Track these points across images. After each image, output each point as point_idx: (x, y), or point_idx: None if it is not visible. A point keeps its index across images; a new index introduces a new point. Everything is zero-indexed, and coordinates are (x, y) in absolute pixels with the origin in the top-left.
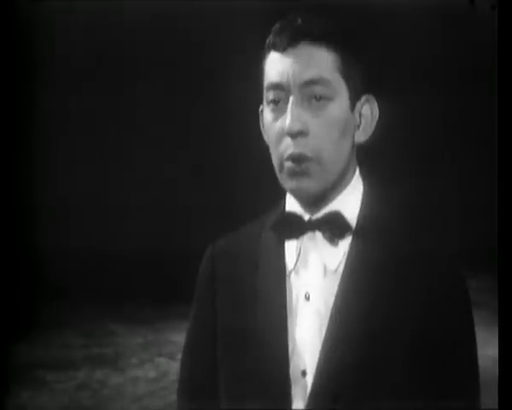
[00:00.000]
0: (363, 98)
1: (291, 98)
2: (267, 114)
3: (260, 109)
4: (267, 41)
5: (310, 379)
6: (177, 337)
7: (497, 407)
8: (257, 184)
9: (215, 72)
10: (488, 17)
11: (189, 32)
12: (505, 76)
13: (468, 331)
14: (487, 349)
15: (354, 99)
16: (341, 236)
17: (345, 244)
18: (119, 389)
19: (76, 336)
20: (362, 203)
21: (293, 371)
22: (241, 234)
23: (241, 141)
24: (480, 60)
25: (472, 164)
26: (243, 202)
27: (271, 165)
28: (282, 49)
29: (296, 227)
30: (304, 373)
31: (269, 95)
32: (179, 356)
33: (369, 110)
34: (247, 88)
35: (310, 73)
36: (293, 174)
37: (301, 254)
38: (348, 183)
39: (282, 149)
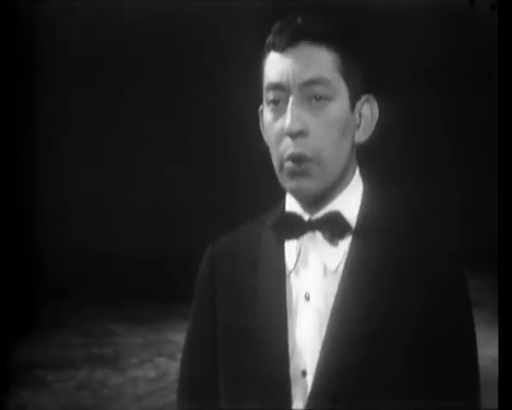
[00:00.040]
0: (363, 98)
1: (291, 98)
2: (267, 114)
3: (260, 109)
4: (267, 41)
5: (310, 379)
6: (177, 337)
7: (497, 407)
8: (257, 184)
9: (215, 72)
10: (488, 17)
11: (189, 32)
12: (505, 76)
13: (468, 331)
14: (487, 349)
15: (354, 99)
16: (341, 236)
17: (345, 244)
18: (119, 389)
19: (76, 336)
20: (362, 203)
21: (293, 371)
22: (240, 233)
23: (241, 141)
24: (480, 60)
25: (472, 164)
26: (243, 202)
27: (271, 165)
28: (281, 49)
29: (296, 227)
30: (304, 373)
31: (269, 95)
32: (179, 356)
33: (368, 110)
34: (247, 88)
35: (310, 73)
36: (293, 174)
37: (301, 254)
38: (348, 183)
39: (281, 149)
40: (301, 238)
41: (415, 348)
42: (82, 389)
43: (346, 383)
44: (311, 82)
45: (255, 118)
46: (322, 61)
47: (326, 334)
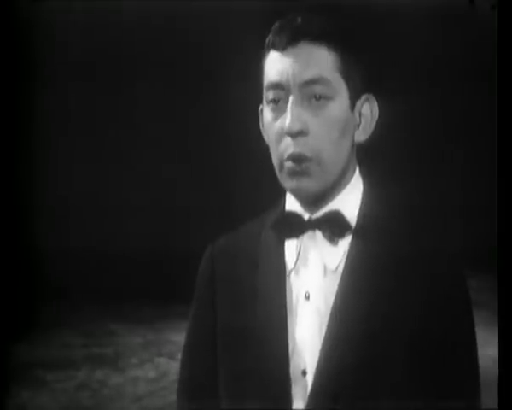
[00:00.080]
0: (363, 98)
1: (291, 98)
2: (267, 113)
3: (260, 109)
4: (266, 40)
5: (310, 379)
6: (177, 337)
7: (497, 407)
8: (256, 184)
9: (214, 72)
10: (488, 17)
11: (188, 33)
12: (505, 76)
13: (468, 331)
14: (487, 349)
15: (354, 98)
16: (341, 235)
17: (345, 244)
18: (118, 389)
19: (76, 336)
20: (362, 203)
21: (294, 370)
22: (240, 233)
23: (241, 141)
24: (480, 60)
25: (472, 164)
26: (242, 202)
27: (271, 165)
28: (281, 48)
29: (296, 226)
30: (304, 373)
31: (268, 94)
32: (179, 356)
33: (368, 110)
34: (247, 88)
35: (310, 73)
36: (293, 174)
37: (301, 254)
38: (348, 182)
39: (281, 148)
40: (301, 237)
41: (415, 348)
42: (82, 389)
43: (346, 383)
44: (311, 81)
45: (255, 118)
46: (322, 61)
47: (326, 333)
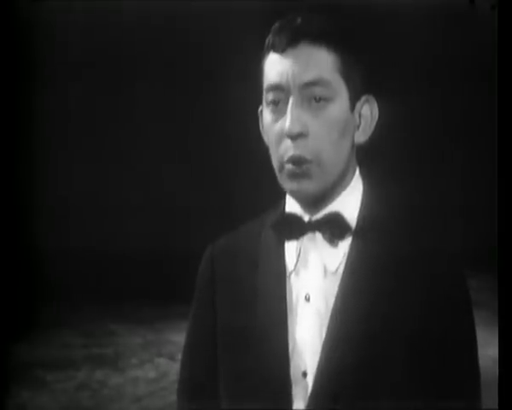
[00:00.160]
0: (363, 99)
1: (291, 99)
2: (267, 115)
3: (260, 110)
4: (266, 41)
5: (310, 380)
6: (177, 337)
7: (497, 407)
8: (256, 184)
9: (214, 72)
10: (488, 17)
11: (188, 33)
12: (505, 76)
13: (468, 331)
14: (487, 349)
15: (354, 99)
16: (341, 236)
17: (345, 245)
18: (118, 390)
19: (76, 336)
20: (362, 204)
21: (294, 371)
22: (241, 233)
23: (241, 141)
24: (480, 60)
25: (472, 164)
26: (242, 203)
27: (271, 165)
28: (281, 49)
29: (296, 228)
30: (304, 374)
31: (268, 96)
32: (179, 356)
33: (368, 110)
34: (247, 88)
35: (310, 75)
36: (294, 176)
37: (301, 255)
38: (348, 183)
39: (281, 150)
40: (301, 239)
41: (415, 347)
42: (82, 390)
43: (346, 383)
44: (311, 83)
45: (255, 118)
46: (322, 62)
47: (326, 334)
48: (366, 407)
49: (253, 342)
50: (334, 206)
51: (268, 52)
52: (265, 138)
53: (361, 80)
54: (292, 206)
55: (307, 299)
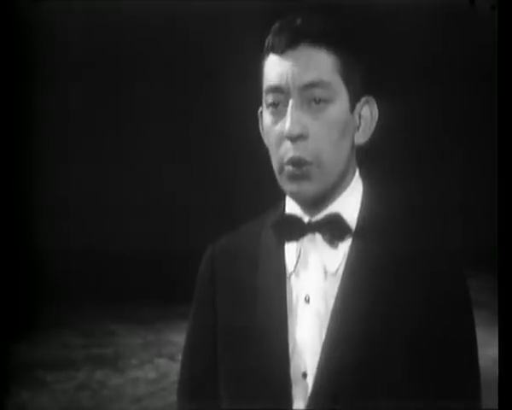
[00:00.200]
0: (363, 100)
1: (291, 101)
2: (266, 116)
3: (259, 111)
4: (266, 42)
5: (310, 380)
6: (177, 338)
7: (497, 407)
8: (257, 184)
9: (214, 72)
10: (488, 17)
11: (188, 33)
12: (505, 76)
13: (468, 331)
14: (487, 349)
15: (354, 101)
16: (341, 238)
17: (345, 246)
18: (118, 390)
19: (76, 336)
20: (361, 205)
21: (294, 372)
22: (241, 233)
23: (241, 141)
24: (480, 60)
25: (472, 164)
26: (243, 203)
27: (271, 165)
28: (281, 51)
29: (296, 229)
30: (304, 375)
31: (268, 98)
32: (179, 357)
33: (368, 111)
34: (247, 88)
35: (310, 76)
36: (294, 178)
37: (301, 256)
38: (348, 184)
39: (281, 152)
40: (301, 240)
41: (415, 347)
42: (82, 390)
43: (346, 383)
44: (311, 85)
45: (255, 118)
46: (321, 64)
47: (326, 335)
48: (366, 407)
49: (253, 342)
50: (334, 207)
51: (267, 53)
52: (265, 140)
53: (361, 81)
54: (292, 207)
55: (307, 300)
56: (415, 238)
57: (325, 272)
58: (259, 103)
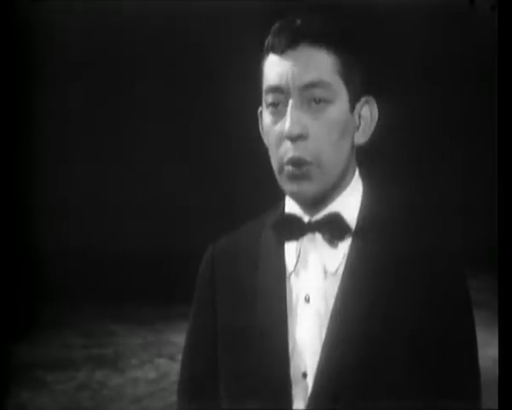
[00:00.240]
0: (363, 100)
1: (290, 101)
2: (266, 116)
3: (259, 111)
4: (266, 42)
5: (310, 380)
6: (177, 338)
7: (497, 407)
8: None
9: (214, 72)
10: (488, 17)
11: (188, 33)
12: (505, 76)
13: (468, 330)
14: (487, 350)
15: (354, 101)
16: (341, 237)
17: (344, 246)
18: (118, 390)
19: (76, 336)
20: (361, 204)
21: (294, 372)
22: (241, 233)
23: (241, 141)
24: (480, 60)
25: (472, 163)
26: (243, 203)
27: (271, 165)
28: (280, 51)
29: (296, 229)
30: (304, 375)
31: (268, 98)
32: (179, 357)
33: (368, 112)
34: (247, 88)
35: (309, 76)
36: (294, 178)
37: (301, 256)
38: (348, 184)
39: (281, 152)
40: (301, 240)
41: (415, 347)
42: (82, 390)
43: (346, 383)
44: (311, 85)
45: (255, 118)
46: (321, 64)
47: (326, 335)
48: (366, 407)
49: (253, 342)
50: (334, 207)
51: (267, 53)
52: (265, 140)
53: (361, 81)
54: (291, 207)
55: (307, 300)
56: (415, 238)
57: (325, 272)
58: (259, 103)
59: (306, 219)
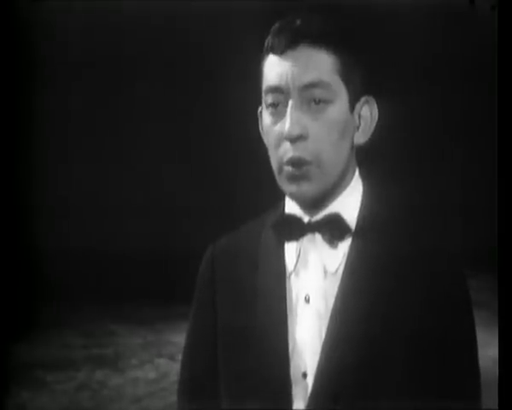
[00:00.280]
0: (363, 100)
1: (290, 102)
2: (266, 117)
3: (259, 111)
4: (265, 43)
5: (310, 381)
6: (177, 338)
7: (497, 407)
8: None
9: (214, 72)
10: (488, 17)
11: (188, 33)
12: (505, 76)
13: (468, 331)
14: (487, 350)
15: (353, 101)
16: (341, 237)
17: (344, 246)
18: (118, 390)
19: (76, 336)
20: (361, 204)
21: (294, 372)
22: (241, 233)
23: (241, 141)
24: (480, 60)
25: (472, 163)
26: (243, 203)
27: (271, 165)
28: (280, 51)
29: (296, 229)
30: (304, 375)
31: (268, 98)
32: (179, 357)
33: (368, 112)
34: (247, 88)
35: (309, 76)
36: (293, 178)
37: (301, 256)
38: (348, 184)
39: (281, 152)
40: (301, 240)
41: (415, 347)
42: (82, 390)
43: (346, 383)
44: (311, 85)
45: (255, 118)
46: (321, 64)
47: (326, 335)
48: (366, 407)
49: (253, 342)
50: (334, 207)
51: (267, 54)
52: (265, 140)
53: (360, 81)
54: (291, 207)
55: (307, 300)
56: (415, 238)
57: (325, 272)
58: (259, 103)
59: (306, 219)
